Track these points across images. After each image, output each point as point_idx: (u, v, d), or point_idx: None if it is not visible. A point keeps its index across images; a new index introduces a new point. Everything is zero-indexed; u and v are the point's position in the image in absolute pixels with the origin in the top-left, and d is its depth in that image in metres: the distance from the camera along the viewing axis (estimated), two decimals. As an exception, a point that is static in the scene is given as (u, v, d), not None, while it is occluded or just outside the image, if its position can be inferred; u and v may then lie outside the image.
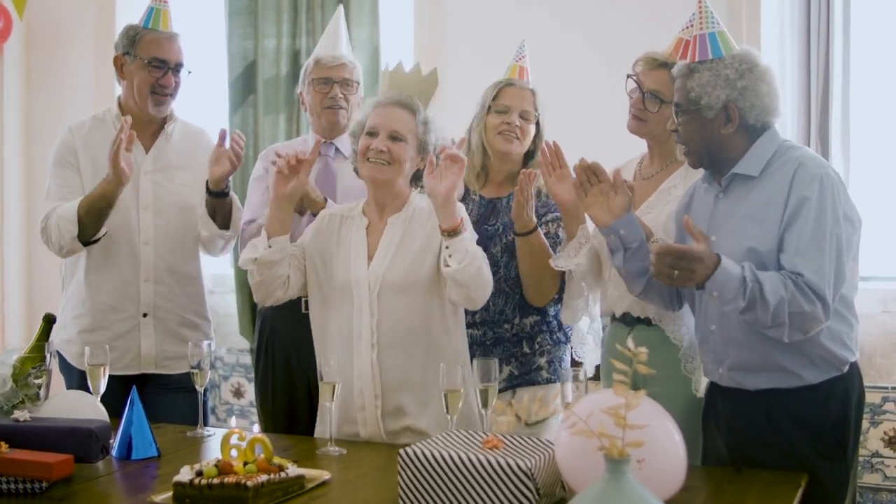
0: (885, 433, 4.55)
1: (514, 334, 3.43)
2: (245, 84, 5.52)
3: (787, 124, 4.59)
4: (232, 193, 3.64)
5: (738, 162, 2.81)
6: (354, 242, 3.19)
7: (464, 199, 3.52)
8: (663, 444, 2.28)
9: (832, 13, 4.47)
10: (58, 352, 3.70)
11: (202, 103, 5.72)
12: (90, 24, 5.56)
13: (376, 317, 3.09)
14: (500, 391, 3.33)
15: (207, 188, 3.55)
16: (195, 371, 3.09)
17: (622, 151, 3.50)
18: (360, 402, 3.08)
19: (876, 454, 4.56)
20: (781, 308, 2.58)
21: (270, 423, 3.78)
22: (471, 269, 2.98)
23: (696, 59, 2.81)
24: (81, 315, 3.65)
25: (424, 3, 5.19)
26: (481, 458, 2.32)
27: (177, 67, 3.65)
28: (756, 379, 2.76)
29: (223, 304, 5.68)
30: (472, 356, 3.22)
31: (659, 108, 3.23)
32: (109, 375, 3.27)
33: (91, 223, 3.50)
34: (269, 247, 3.14)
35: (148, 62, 3.61)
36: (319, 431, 3.19)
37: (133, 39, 3.63)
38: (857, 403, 2.80)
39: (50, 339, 2.98)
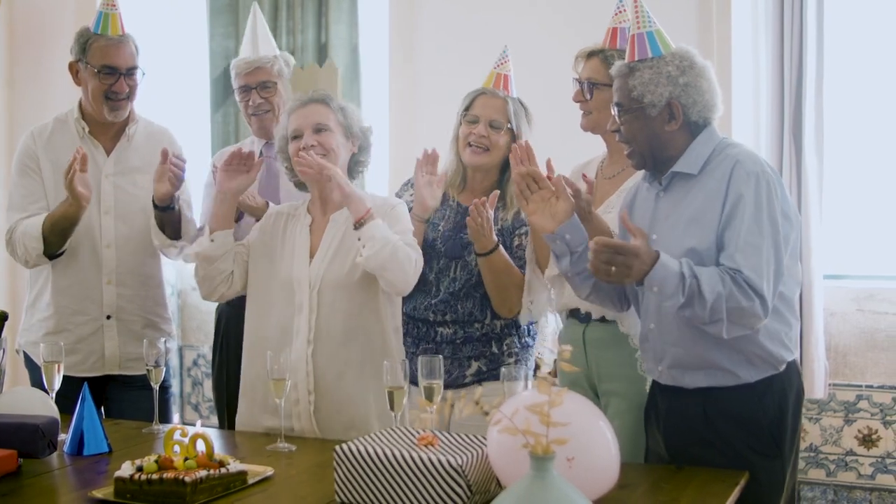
0: (858, 431, 4.56)
1: (483, 334, 3.43)
2: (226, 83, 5.52)
3: (761, 123, 4.59)
4: (181, 205, 3.64)
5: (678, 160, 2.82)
6: (298, 240, 3.24)
7: (441, 205, 3.53)
8: (594, 442, 2.28)
9: (805, 11, 4.46)
10: (24, 351, 3.75)
11: (184, 102, 5.75)
12: (72, 22, 5.57)
13: (315, 313, 3.14)
14: (467, 385, 3.38)
15: (154, 203, 3.56)
16: (151, 369, 3.12)
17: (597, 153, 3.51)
18: (294, 396, 3.12)
19: (850, 452, 4.57)
20: (719, 304, 2.59)
21: (226, 418, 3.81)
22: (382, 254, 3.02)
23: (636, 59, 2.80)
24: (46, 318, 3.68)
25: (400, 1, 5.20)
26: (414, 455, 2.35)
27: (129, 72, 3.64)
28: (694, 377, 2.77)
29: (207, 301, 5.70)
30: (442, 354, 3.24)
31: (592, 93, 3.25)
32: (74, 376, 3.31)
33: (55, 240, 3.55)
34: (212, 241, 3.20)
35: (98, 70, 3.61)
36: (240, 423, 3.27)
37: (84, 46, 3.63)
38: (795, 401, 2.80)
39: (3, 336, 3.00)
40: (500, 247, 3.31)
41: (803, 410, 4.50)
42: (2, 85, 5.81)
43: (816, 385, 4.49)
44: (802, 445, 4.62)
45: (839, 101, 4.60)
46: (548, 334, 3.54)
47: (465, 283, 3.39)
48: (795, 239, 2.77)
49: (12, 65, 5.84)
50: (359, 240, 3.06)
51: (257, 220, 3.50)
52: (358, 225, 3.07)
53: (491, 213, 3.24)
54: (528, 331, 3.48)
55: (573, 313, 3.29)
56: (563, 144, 3.40)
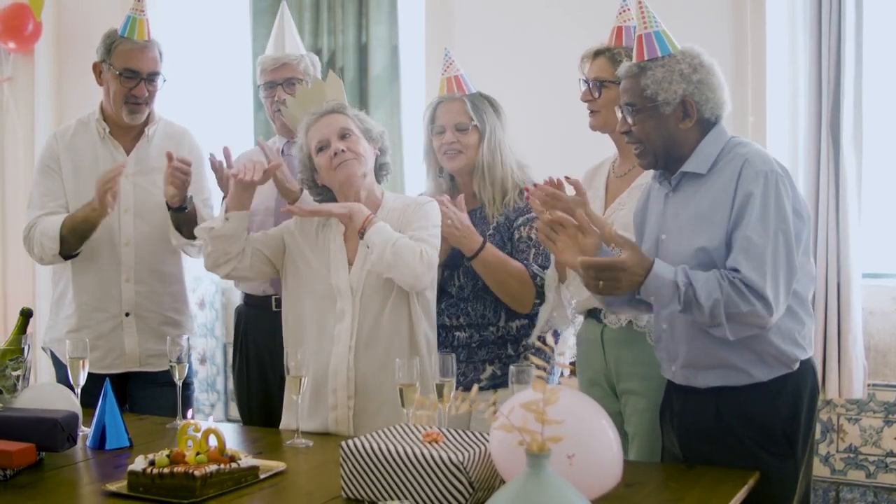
0: (899, 432, 4.51)
1: (499, 337, 3.44)
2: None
3: (798, 119, 4.53)
4: (196, 203, 3.68)
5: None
6: (333, 248, 3.26)
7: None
8: (595, 440, 2.29)
9: (843, 4, 4.40)
10: (50, 349, 3.83)
11: (228, 102, 5.82)
12: (118, 21, 5.66)
13: (357, 320, 3.16)
14: (483, 390, 3.36)
15: (167, 203, 3.61)
16: (174, 365, 3.17)
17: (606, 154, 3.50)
18: (333, 401, 3.15)
19: (890, 454, 4.50)
20: (717, 310, 2.59)
21: (247, 417, 3.86)
22: (385, 256, 3.06)
23: (645, 58, 2.79)
24: (69, 315, 3.76)
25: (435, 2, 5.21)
26: (417, 451, 2.37)
27: (150, 77, 3.70)
28: (707, 377, 2.76)
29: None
30: (458, 357, 3.24)
31: (600, 91, 3.24)
32: (97, 374, 3.38)
33: (73, 242, 3.62)
34: (227, 219, 3.23)
35: (120, 73, 3.67)
36: (285, 423, 3.26)
37: (109, 48, 3.70)
38: (809, 401, 2.77)
39: (28, 332, 3.07)
40: (488, 244, 3.32)
41: (842, 411, 4.52)
42: (50, 82, 5.93)
43: (855, 385, 4.42)
44: (841, 446, 4.57)
45: (878, 98, 4.52)
46: (568, 335, 3.51)
47: (473, 287, 3.41)
48: (808, 236, 2.74)
49: (60, 63, 5.95)
50: (367, 248, 3.10)
51: (290, 203, 3.53)
52: (361, 234, 3.11)
53: (464, 216, 3.26)
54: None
55: (591, 313, 3.29)
56: (575, 145, 3.40)
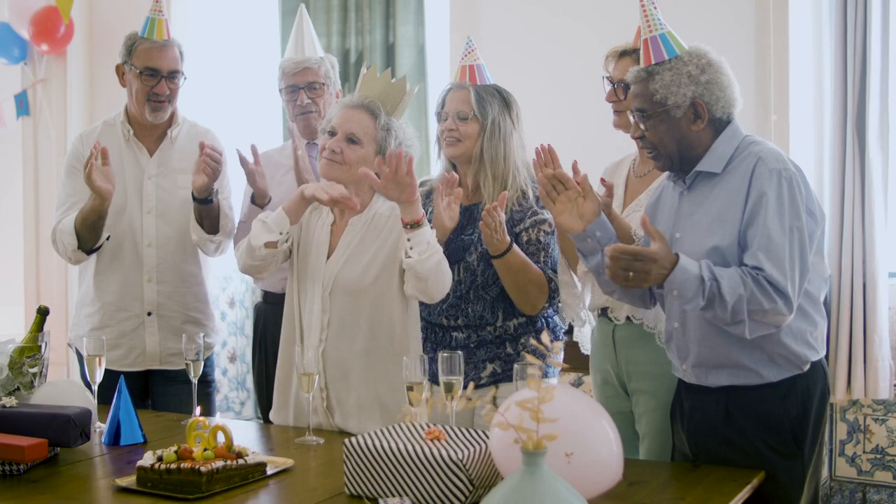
0: (920, 434, 4.47)
1: (497, 336, 3.43)
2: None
3: (824, 118, 4.51)
4: (219, 199, 3.72)
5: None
6: (318, 237, 3.28)
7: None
8: (595, 438, 2.29)
9: (870, 2, 4.36)
10: (75, 346, 3.89)
11: (257, 102, 5.87)
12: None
13: (327, 314, 3.19)
14: (483, 386, 3.37)
15: (193, 195, 3.65)
16: (189, 363, 3.20)
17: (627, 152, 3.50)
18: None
19: (918, 455, 4.47)
20: (740, 306, 2.58)
21: (266, 413, 3.89)
22: (431, 262, 3.03)
23: (652, 62, 2.79)
24: (92, 314, 3.83)
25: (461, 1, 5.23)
26: (418, 449, 2.39)
27: (171, 75, 3.76)
28: (717, 376, 2.75)
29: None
30: None
31: (626, 93, 3.23)
32: (118, 371, 3.42)
33: (88, 235, 3.67)
34: (282, 233, 3.19)
35: (141, 71, 3.73)
36: (279, 418, 3.33)
37: (130, 49, 3.76)
38: (820, 402, 2.76)
39: (45, 330, 3.12)
40: (514, 245, 3.30)
41: (869, 411, 4.48)
42: (82, 84, 6.02)
43: (881, 386, 4.39)
44: (868, 447, 4.53)
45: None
46: (586, 332, 3.51)
47: (471, 284, 3.41)
48: (821, 236, 2.74)
49: (92, 65, 6.04)
50: (408, 240, 3.05)
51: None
52: (413, 226, 3.05)
53: (503, 215, 3.23)
54: (548, 325, 3.46)
55: (604, 312, 3.29)
56: (599, 144, 3.39)
